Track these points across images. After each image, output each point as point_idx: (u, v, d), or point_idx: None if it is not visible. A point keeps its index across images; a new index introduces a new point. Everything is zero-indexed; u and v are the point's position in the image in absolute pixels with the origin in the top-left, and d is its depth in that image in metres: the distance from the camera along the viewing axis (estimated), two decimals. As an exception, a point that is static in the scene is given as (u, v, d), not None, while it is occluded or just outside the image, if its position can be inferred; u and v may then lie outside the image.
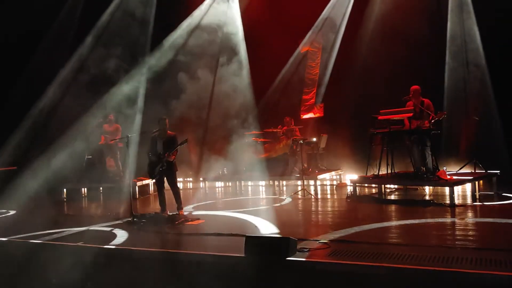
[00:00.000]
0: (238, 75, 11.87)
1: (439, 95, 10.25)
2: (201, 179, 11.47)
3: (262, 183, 11.50)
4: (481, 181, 8.47)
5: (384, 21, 10.73)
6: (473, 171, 8.50)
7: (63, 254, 5.28)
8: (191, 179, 12.86)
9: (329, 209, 7.91)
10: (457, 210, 6.77)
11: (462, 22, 10.42)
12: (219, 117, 11.94)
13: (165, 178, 7.30)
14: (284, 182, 10.98)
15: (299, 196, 9.08)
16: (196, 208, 8.21)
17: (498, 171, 8.53)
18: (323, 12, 12.21)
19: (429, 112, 7.82)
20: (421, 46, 10.07)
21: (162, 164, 7.00)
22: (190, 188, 12.33)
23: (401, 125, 8.07)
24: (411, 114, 7.78)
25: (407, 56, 9.95)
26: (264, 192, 10.77)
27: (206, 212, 7.78)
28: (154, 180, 7.72)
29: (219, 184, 12.03)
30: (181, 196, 7.39)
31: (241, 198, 9.76)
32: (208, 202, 9.11)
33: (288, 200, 8.92)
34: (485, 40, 10.14)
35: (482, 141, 8.99)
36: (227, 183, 11.87)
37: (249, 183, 11.66)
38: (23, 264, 5.33)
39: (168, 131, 7.26)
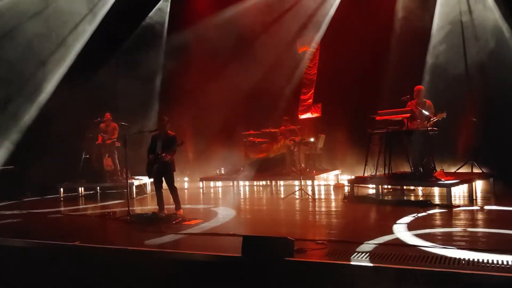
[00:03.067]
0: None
1: (437, 94, 10.23)
2: (198, 178, 11.43)
3: (258, 183, 11.46)
4: (478, 182, 8.48)
5: (381, 19, 10.71)
6: (470, 172, 8.50)
7: (60, 253, 5.26)
8: (188, 178, 12.81)
9: (326, 209, 7.89)
10: (454, 211, 6.76)
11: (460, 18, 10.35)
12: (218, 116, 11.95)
13: (163, 178, 7.26)
14: (282, 182, 10.96)
15: (297, 197, 9.02)
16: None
17: (495, 172, 8.52)
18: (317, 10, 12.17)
19: (428, 113, 7.82)
20: (420, 44, 10.07)
21: (158, 163, 7.01)
22: (185, 188, 12.21)
23: (401, 126, 8.05)
24: (409, 114, 7.77)
25: (406, 55, 9.94)
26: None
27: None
28: (152, 180, 7.67)
29: (215, 184, 11.95)
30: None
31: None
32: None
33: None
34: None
35: (480, 142, 8.99)
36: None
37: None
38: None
39: (169, 131, 7.26)
